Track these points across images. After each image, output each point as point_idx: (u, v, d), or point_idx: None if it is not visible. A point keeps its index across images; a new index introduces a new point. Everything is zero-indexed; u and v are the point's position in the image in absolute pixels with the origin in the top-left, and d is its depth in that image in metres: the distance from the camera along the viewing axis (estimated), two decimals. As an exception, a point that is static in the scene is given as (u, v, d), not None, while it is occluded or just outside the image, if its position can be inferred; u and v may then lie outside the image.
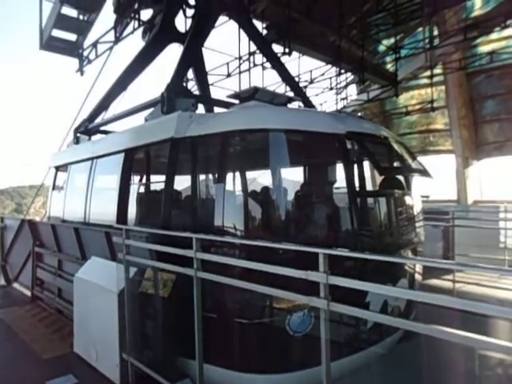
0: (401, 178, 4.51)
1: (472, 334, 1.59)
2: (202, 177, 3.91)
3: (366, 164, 4.68)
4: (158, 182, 4.61)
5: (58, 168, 7.08)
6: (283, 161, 3.45)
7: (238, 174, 3.69)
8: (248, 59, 8.47)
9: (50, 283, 6.08)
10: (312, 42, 8.19)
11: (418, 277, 4.75)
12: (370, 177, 5.15)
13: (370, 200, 4.13)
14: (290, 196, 3.57)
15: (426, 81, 15.26)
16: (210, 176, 4.13)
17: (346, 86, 13.93)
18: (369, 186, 5.01)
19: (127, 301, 3.45)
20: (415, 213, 4.67)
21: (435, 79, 13.85)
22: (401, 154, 4.36)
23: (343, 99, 13.23)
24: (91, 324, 4.02)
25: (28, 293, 6.80)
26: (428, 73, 13.66)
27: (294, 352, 3.51)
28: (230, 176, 3.65)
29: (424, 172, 4.49)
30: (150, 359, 3.59)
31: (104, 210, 5.04)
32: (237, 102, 4.48)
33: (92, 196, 5.32)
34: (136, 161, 4.69)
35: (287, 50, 7.66)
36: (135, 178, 5.46)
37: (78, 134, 6.79)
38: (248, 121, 3.58)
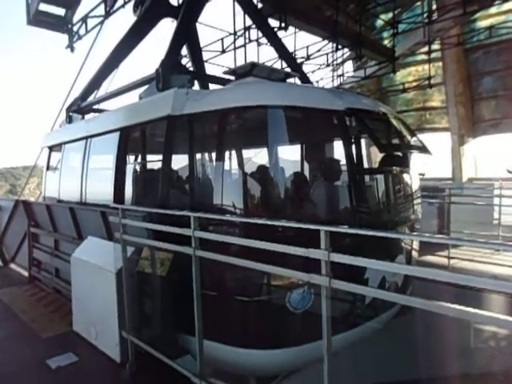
0: (400, 155, 4.48)
1: (467, 307, 1.60)
2: (200, 155, 3.84)
3: (363, 141, 4.64)
4: (154, 160, 4.54)
5: (51, 148, 6.95)
6: (283, 138, 3.40)
7: (236, 152, 3.63)
8: (243, 34, 8.25)
9: (47, 263, 6.08)
10: (308, 16, 7.97)
11: (414, 253, 4.80)
12: (366, 154, 5.11)
13: (369, 177, 4.09)
14: (289, 174, 3.53)
15: (423, 57, 15.07)
16: (208, 154, 4.05)
17: (342, 63, 13.71)
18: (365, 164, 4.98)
19: (125, 280, 3.45)
20: (414, 190, 4.67)
21: (433, 55, 13.65)
22: (400, 131, 4.32)
23: (340, 76, 13.05)
24: (90, 303, 4.04)
25: (25, 273, 6.81)
26: (425, 49, 13.46)
27: (293, 328, 3.56)
28: (228, 154, 3.59)
29: (423, 149, 4.46)
30: (150, 337, 3.62)
31: (100, 189, 4.98)
32: (233, 78, 4.39)
33: (88, 176, 5.24)
34: (132, 139, 4.61)
35: (283, 25, 7.46)
36: (131, 157, 5.39)
37: (71, 113, 6.64)
38: (247, 97, 3.49)
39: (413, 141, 4.42)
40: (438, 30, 13.01)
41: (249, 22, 8.44)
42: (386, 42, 13.34)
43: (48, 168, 7.04)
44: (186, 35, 4.89)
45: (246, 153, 3.97)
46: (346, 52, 13.26)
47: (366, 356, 3.94)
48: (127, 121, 4.56)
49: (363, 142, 4.65)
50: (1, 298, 5.67)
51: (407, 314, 4.22)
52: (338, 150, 3.96)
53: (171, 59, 4.57)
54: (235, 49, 8.45)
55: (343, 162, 3.80)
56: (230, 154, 3.63)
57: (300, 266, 2.33)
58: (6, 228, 7.52)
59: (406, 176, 4.57)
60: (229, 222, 3.16)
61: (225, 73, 4.45)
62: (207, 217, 2.76)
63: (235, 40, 8.51)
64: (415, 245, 4.75)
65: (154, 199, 4.07)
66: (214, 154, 3.71)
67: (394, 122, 4.35)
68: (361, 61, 10.84)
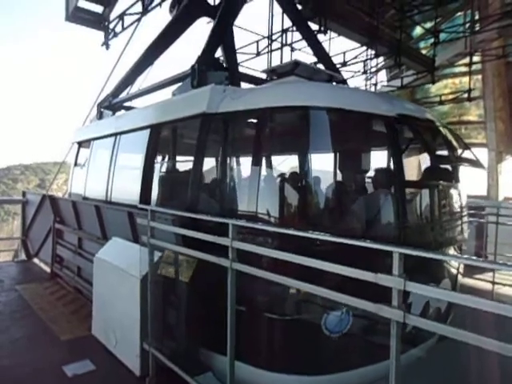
0: (451, 168, 4.12)
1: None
2: (235, 157, 3.58)
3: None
4: (185, 161, 4.32)
5: (80, 144, 6.87)
6: (329, 143, 3.09)
7: (276, 156, 3.35)
8: (281, 36, 8.00)
9: (69, 261, 5.95)
10: (348, 20, 7.66)
11: (459, 277, 4.40)
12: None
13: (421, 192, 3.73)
14: (335, 185, 3.21)
15: (460, 69, 14.49)
16: (244, 157, 3.79)
17: (377, 72, 13.30)
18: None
19: (151, 287, 3.21)
20: (462, 207, 4.28)
21: (472, 68, 13.09)
22: (451, 142, 3.96)
23: (374, 85, 12.63)
24: (111, 308, 3.82)
25: (47, 269, 6.73)
26: (465, 60, 12.91)
27: (327, 353, 3.23)
28: (267, 158, 3.31)
29: (477, 163, 4.08)
30: (172, 350, 3.36)
31: (127, 188, 4.79)
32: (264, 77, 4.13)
33: (115, 173, 5.07)
34: (162, 138, 4.40)
35: (322, 29, 7.18)
36: (161, 156, 5.19)
37: (102, 109, 6.55)
38: (290, 97, 3.21)
39: (466, 153, 4.06)
40: (480, 42, 12.50)
41: (286, 24, 8.26)
42: (423, 52, 12.88)
43: (76, 164, 6.96)
44: (223, 33, 4.68)
45: (286, 157, 3.67)
46: (381, 61, 12.88)
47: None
48: (158, 118, 4.36)
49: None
50: (21, 294, 5.57)
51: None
52: (385, 159, 3.65)
53: (207, 56, 4.36)
54: (271, 51, 8.23)
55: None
56: (271, 158, 3.34)
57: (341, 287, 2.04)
58: (31, 222, 7.49)
59: (456, 191, 4.19)
60: (265, 232, 2.85)
61: (264, 71, 4.20)
62: (249, 226, 2.46)
63: (271, 42, 8.28)
64: (461, 268, 4.35)
65: (182, 202, 3.83)
66: (250, 157, 3.43)
67: (445, 132, 4.00)
68: (399, 69, 10.41)
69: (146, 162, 4.37)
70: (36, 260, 7.54)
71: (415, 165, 4.38)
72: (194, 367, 3.29)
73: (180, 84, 4.56)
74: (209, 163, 3.73)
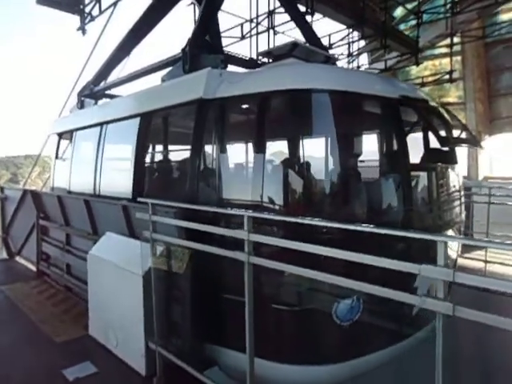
0: (450, 149, 4.09)
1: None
2: (235, 145, 3.42)
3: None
4: (180, 149, 4.12)
5: (60, 135, 6.53)
6: (332, 126, 2.96)
7: (278, 141, 3.21)
8: (268, 17, 7.75)
9: (57, 258, 5.68)
10: (335, 2, 7.49)
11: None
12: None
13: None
14: (340, 169, 3.09)
15: (440, 50, 14.60)
16: (244, 144, 3.63)
17: (358, 55, 13.21)
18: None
19: (155, 284, 3.05)
20: (460, 188, 4.28)
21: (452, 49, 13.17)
22: (452, 123, 3.92)
23: (357, 68, 12.55)
24: (109, 306, 3.65)
25: (32, 267, 6.43)
26: (445, 42, 12.97)
27: (338, 342, 3.18)
28: (269, 144, 3.16)
29: (475, 143, 4.07)
30: (177, 347, 3.24)
31: (117, 181, 4.57)
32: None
33: (102, 166, 4.82)
34: (154, 126, 4.18)
35: (309, 10, 6.98)
36: (153, 146, 4.95)
37: (83, 98, 6.22)
38: (293, 79, 3.06)
39: (465, 134, 4.03)
40: (461, 23, 12.54)
41: (271, 6, 8.01)
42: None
43: (57, 156, 6.62)
44: (215, 13, 4.44)
45: (289, 143, 3.53)
46: (362, 44, 12.78)
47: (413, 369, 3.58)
48: (149, 105, 4.13)
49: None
50: (8, 295, 5.30)
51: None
52: (390, 142, 3.56)
53: (199, 38, 4.13)
54: (258, 34, 7.98)
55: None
56: (272, 145, 3.20)
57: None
58: (12, 219, 7.13)
59: (455, 173, 4.17)
60: (275, 222, 2.73)
61: (260, 54, 4.02)
62: (265, 217, 2.32)
63: (258, 24, 8.02)
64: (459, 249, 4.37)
65: (179, 193, 3.66)
66: (250, 144, 3.28)
67: (444, 112, 3.96)
68: (385, 51, 10.32)
69: (138, 153, 4.15)
70: (19, 258, 7.21)
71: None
72: (200, 363, 3.19)
73: (169, 69, 4.33)
74: (206, 151, 3.54)
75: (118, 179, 4.56)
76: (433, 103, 3.86)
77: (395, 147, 3.33)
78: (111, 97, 6.05)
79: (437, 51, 14.83)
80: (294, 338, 3.09)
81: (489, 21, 13.77)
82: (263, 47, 8.10)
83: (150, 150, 4.33)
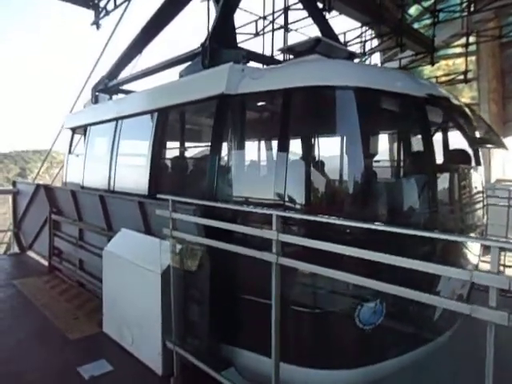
0: (474, 149, 3.99)
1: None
2: (255, 142, 3.34)
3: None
4: (200, 145, 4.05)
5: (74, 130, 6.50)
6: (359, 125, 2.87)
7: (304, 139, 3.13)
8: (284, 13, 7.65)
9: (69, 254, 5.66)
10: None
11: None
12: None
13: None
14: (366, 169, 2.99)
15: (454, 50, 14.39)
16: (267, 141, 3.55)
17: (370, 54, 13.05)
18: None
19: (174, 283, 2.99)
20: (483, 190, 4.17)
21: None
22: (479, 123, 3.81)
23: (371, 67, 12.39)
24: (125, 304, 3.59)
25: (44, 262, 6.41)
26: (460, 41, 12.77)
27: (359, 346, 3.10)
28: (294, 142, 3.08)
29: (501, 144, 3.95)
30: (194, 347, 3.18)
31: (133, 177, 4.51)
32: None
33: (118, 161, 4.77)
34: (172, 122, 4.12)
35: (327, 7, 6.87)
36: (170, 142, 4.88)
37: (97, 93, 6.18)
38: (319, 75, 2.97)
39: (491, 134, 3.92)
40: (477, 22, 12.35)
41: (285, 3, 7.90)
42: (419, 32, 12.65)
43: (70, 151, 6.59)
44: (236, 5, 4.35)
45: (313, 140, 3.44)
46: (375, 43, 12.63)
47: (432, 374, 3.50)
48: (167, 101, 4.06)
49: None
50: (20, 289, 5.28)
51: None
52: (415, 141, 3.47)
53: (219, 32, 4.05)
54: (273, 30, 7.88)
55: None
56: (298, 142, 3.12)
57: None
58: (24, 213, 7.12)
59: (478, 174, 4.07)
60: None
61: (281, 50, 3.93)
62: (296, 217, 2.23)
63: (273, 21, 7.92)
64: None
65: (198, 191, 3.59)
66: (273, 141, 3.20)
67: (469, 112, 3.85)
68: (401, 50, 10.15)
69: (154, 148, 4.09)
70: (30, 252, 7.21)
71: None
72: (218, 363, 3.13)
73: (188, 64, 4.26)
74: (226, 148, 3.47)
75: (134, 175, 4.51)
76: (458, 102, 3.76)
77: (422, 147, 3.24)
78: (125, 92, 6.01)
79: (450, 51, 14.62)
80: (315, 342, 3.01)
81: (504, 20, 13.53)
82: (277, 44, 8.04)
83: (167, 145, 4.25)
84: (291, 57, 4.12)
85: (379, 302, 2.98)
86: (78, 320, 4.31)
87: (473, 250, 3.81)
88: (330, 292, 2.93)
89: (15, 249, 7.43)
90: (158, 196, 3.10)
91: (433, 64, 10.78)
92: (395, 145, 3.43)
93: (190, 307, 3.18)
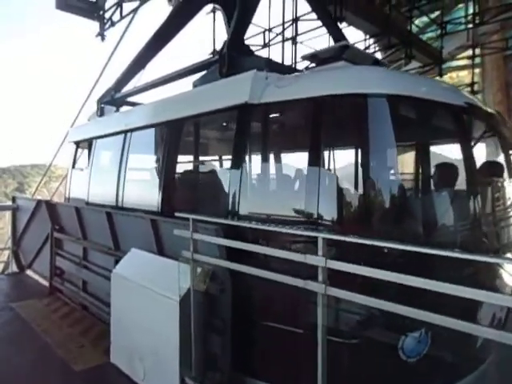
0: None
1: None
2: (283, 153, 3.08)
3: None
4: (218, 159, 3.78)
5: (78, 144, 6.24)
6: (399, 135, 2.63)
7: (335, 150, 2.87)
8: (293, 23, 7.49)
9: (72, 274, 5.33)
10: (363, 9, 7.24)
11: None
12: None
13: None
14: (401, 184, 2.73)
15: (458, 63, 14.35)
16: (294, 153, 3.29)
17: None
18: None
19: (194, 311, 2.68)
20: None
21: (471, 61, 12.91)
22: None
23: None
24: (136, 333, 3.26)
25: (44, 282, 6.07)
26: (466, 53, 12.71)
27: (402, 380, 2.78)
28: (325, 154, 2.81)
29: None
30: (215, 381, 2.86)
31: (143, 193, 4.23)
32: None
33: (127, 176, 4.48)
34: (186, 134, 3.86)
35: (339, 17, 6.72)
36: (185, 155, 4.61)
37: (103, 105, 5.94)
38: (351, 83, 2.73)
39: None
40: (483, 34, 12.31)
41: (294, 14, 7.77)
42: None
43: (74, 166, 6.32)
44: (253, 11, 4.14)
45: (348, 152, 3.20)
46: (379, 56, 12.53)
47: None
48: (181, 112, 3.81)
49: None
50: (19, 313, 4.93)
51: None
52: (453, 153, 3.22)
53: (237, 40, 3.83)
54: (283, 41, 7.73)
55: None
56: (328, 154, 2.84)
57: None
58: (24, 230, 6.79)
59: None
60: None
61: (303, 57, 3.71)
62: (343, 240, 1.93)
63: (284, 30, 7.77)
64: None
65: (218, 208, 3.30)
66: (301, 153, 2.95)
67: (506, 122, 3.65)
68: (410, 61, 10.05)
69: (168, 162, 3.82)
70: (29, 272, 6.85)
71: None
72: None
73: (202, 73, 4.03)
74: (249, 161, 3.20)
75: (144, 191, 4.23)
76: (494, 112, 3.54)
77: (462, 158, 2.99)
78: (133, 104, 5.77)
79: (454, 63, 14.58)
80: (356, 375, 2.69)
81: (509, 33, 13.51)
82: (282, 56, 7.87)
83: (182, 159, 3.98)
84: (309, 66, 3.91)
85: (424, 331, 2.69)
86: (83, 348, 3.96)
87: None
88: (371, 320, 2.63)
89: (14, 268, 7.08)
90: (177, 214, 2.81)
91: (441, 76, 10.65)
92: (430, 156, 3.20)
93: (211, 337, 2.86)
